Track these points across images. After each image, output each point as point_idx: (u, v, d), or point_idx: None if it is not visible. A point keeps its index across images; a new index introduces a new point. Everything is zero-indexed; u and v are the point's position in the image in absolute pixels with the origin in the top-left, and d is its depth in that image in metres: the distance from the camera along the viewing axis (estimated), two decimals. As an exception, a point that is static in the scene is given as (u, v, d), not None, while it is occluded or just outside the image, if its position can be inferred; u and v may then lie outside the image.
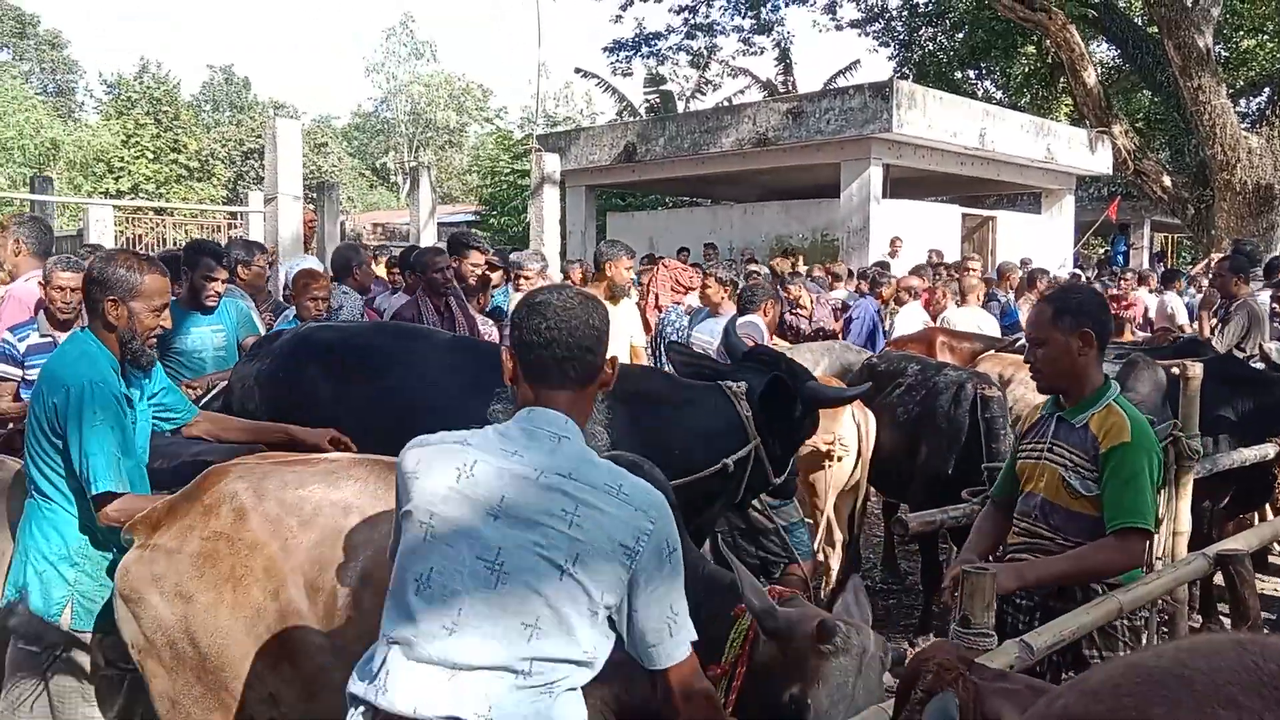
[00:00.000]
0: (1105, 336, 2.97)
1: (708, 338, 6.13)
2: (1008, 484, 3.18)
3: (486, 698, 1.78)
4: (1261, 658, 0.79)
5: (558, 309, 1.93)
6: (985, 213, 19.71)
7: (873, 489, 6.49)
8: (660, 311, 7.51)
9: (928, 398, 5.30)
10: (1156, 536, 4.40)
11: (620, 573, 1.83)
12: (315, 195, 15.45)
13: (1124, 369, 4.82)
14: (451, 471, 1.85)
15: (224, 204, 30.43)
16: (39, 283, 5.17)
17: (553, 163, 13.03)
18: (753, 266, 11.42)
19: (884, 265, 11.92)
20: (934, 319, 8.83)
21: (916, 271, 10.31)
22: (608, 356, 2.00)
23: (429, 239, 15.29)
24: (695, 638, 1.95)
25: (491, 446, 1.88)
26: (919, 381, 5.46)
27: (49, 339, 4.90)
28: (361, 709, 1.84)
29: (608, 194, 23.53)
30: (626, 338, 6.17)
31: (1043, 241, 18.55)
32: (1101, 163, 19.54)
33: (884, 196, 16.64)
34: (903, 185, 18.61)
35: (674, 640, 1.90)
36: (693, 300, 7.71)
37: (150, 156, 32.58)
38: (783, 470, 3.86)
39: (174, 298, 5.73)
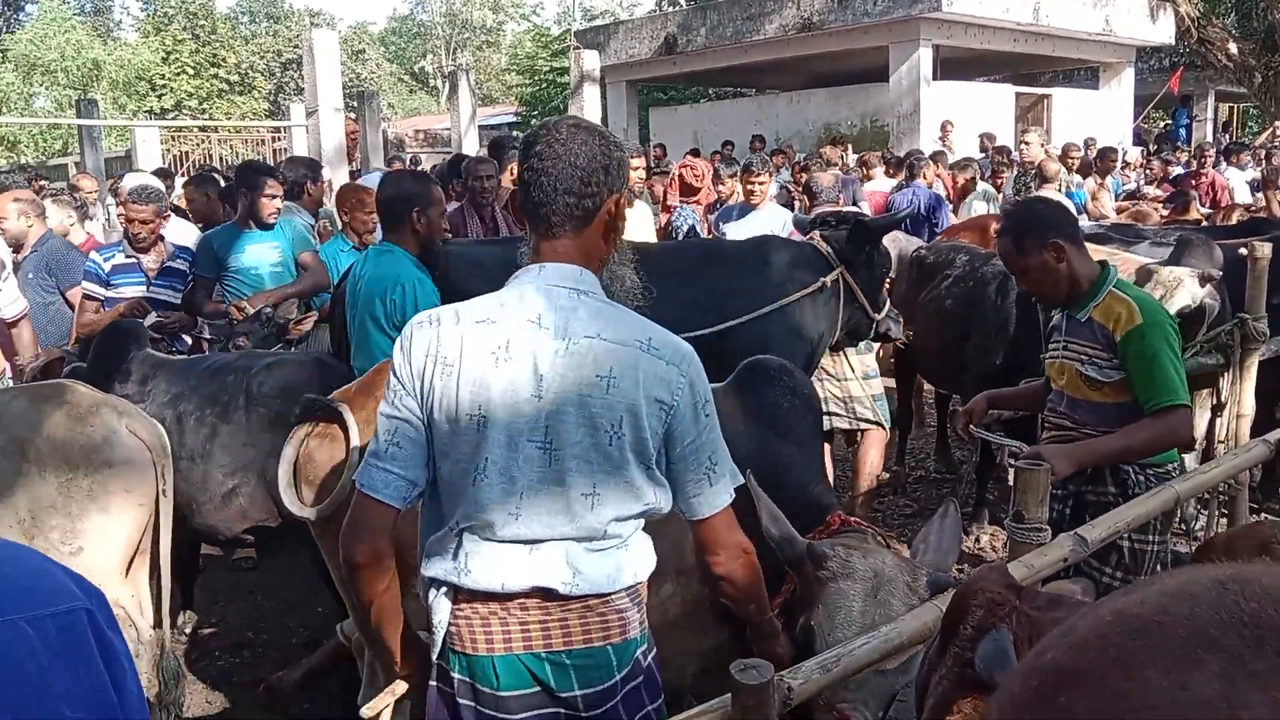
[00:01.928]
0: (1073, 234, 3.03)
1: (734, 233, 6.12)
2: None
3: (569, 565, 1.82)
4: (1242, 596, 0.79)
5: (540, 148, 1.84)
6: (1040, 91, 19.07)
7: (924, 381, 6.48)
8: (669, 214, 7.49)
9: (975, 288, 5.22)
10: (1220, 420, 4.35)
11: (659, 428, 1.82)
12: (356, 105, 15.36)
13: (1177, 248, 4.70)
14: (489, 357, 1.80)
15: (266, 116, 30.44)
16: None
17: (592, 60, 12.80)
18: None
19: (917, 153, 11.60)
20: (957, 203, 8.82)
21: (935, 158, 10.20)
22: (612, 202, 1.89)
23: (471, 144, 15.19)
24: (740, 481, 1.96)
25: (516, 317, 1.82)
26: (967, 272, 5.36)
27: (133, 260, 5.16)
28: (444, 589, 1.87)
29: (649, 88, 23.10)
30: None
31: (1101, 118, 17.95)
32: (1163, 32, 18.70)
33: (934, 79, 16.14)
34: (954, 66, 18.00)
35: (714, 489, 1.90)
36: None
37: (191, 72, 32.55)
38: (876, 307, 4.57)
39: (230, 219, 5.85)
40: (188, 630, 4.45)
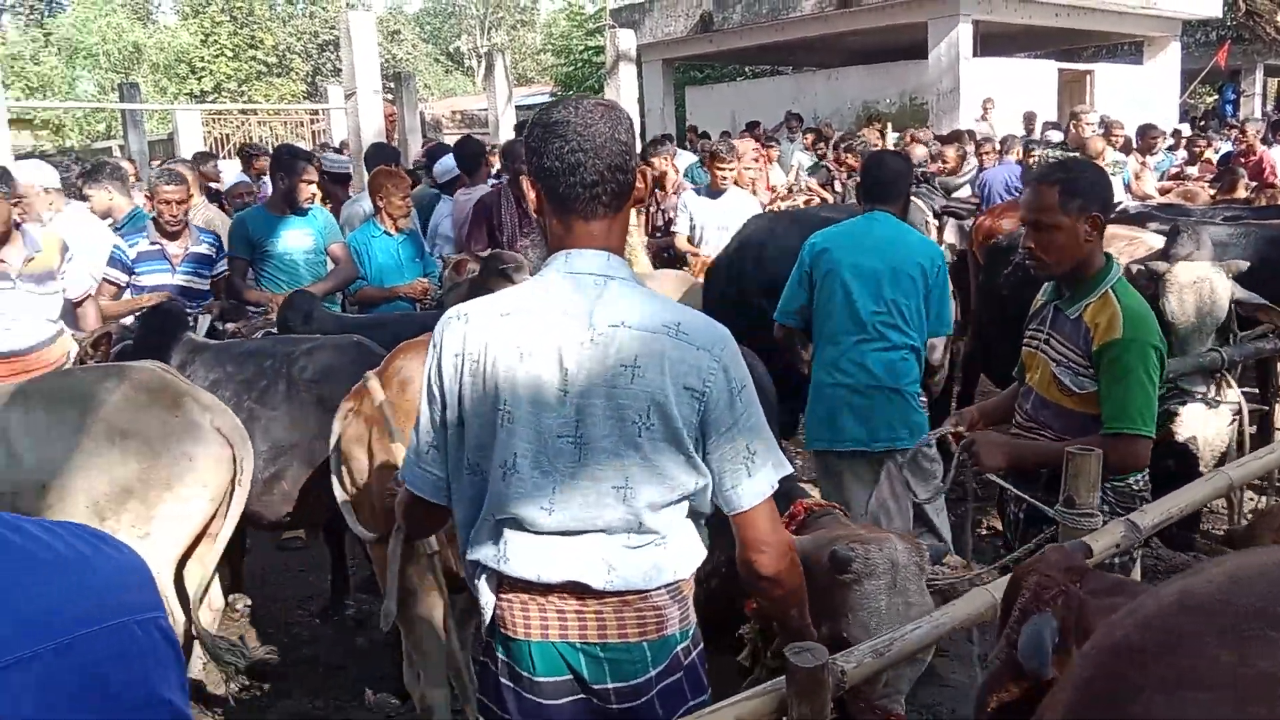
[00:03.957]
0: (1108, 219, 2.81)
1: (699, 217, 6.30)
2: (1023, 367, 3.07)
3: (604, 560, 1.81)
4: None
5: (578, 127, 1.76)
6: (1083, 66, 18.76)
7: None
8: None
9: None
10: (1278, 406, 4.26)
11: (692, 417, 1.78)
12: (393, 86, 15.42)
13: (1168, 237, 4.36)
14: (513, 352, 1.78)
15: (304, 98, 30.62)
16: (144, 195, 5.36)
17: (627, 39, 12.72)
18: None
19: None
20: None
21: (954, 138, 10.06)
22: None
23: (507, 125, 15.22)
24: (786, 471, 1.89)
25: (541, 309, 1.79)
26: None
27: (157, 246, 5.11)
28: (487, 574, 1.89)
29: (685, 67, 22.97)
30: None
31: (1145, 94, 17.61)
32: (1210, 5, 18.31)
33: (974, 55, 15.92)
34: (994, 42, 17.74)
35: (753, 480, 1.82)
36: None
37: (229, 55, 32.71)
38: None
39: (260, 203, 5.91)
40: (239, 608, 4.53)
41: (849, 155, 10.07)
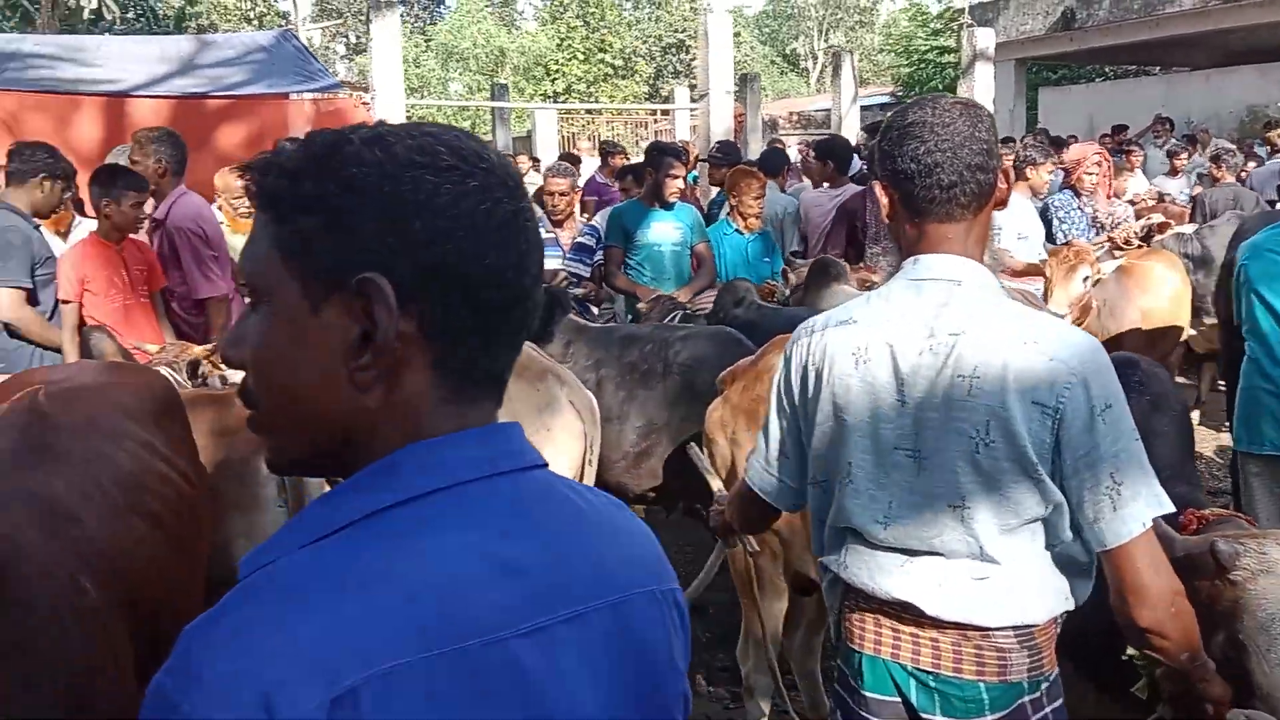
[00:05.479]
0: None
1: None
2: None
3: (940, 585, 1.71)
4: None
5: (936, 127, 1.69)
6: None
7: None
8: None
9: None
10: None
11: (1043, 435, 1.61)
12: (738, 87, 15.70)
13: None
14: (849, 359, 1.74)
15: (644, 99, 31.97)
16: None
17: (986, 38, 12.20)
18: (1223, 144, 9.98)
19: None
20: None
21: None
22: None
23: (851, 125, 15.07)
24: (1165, 510, 1.64)
25: (879, 319, 1.74)
26: None
27: (552, 235, 5.61)
28: (830, 579, 1.90)
29: (1039, 67, 21.72)
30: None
31: None
32: None
33: (1395, 51, 13.88)
34: None
35: (1118, 515, 1.60)
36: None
37: (581, 58, 34.78)
38: None
39: (635, 197, 6.21)
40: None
41: (1215, 166, 9.06)
